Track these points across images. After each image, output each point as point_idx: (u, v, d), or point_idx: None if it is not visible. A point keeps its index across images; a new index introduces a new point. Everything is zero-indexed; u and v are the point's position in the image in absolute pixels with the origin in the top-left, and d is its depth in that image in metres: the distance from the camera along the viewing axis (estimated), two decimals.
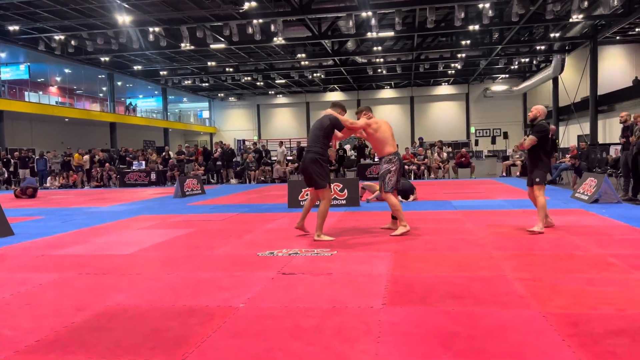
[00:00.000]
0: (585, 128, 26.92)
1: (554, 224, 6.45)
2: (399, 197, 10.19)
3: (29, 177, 16.10)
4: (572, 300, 3.37)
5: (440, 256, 4.91)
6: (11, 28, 21.44)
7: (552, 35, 25.09)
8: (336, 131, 6.09)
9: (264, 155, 20.75)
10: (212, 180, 20.41)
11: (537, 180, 6.24)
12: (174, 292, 3.90)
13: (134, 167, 20.12)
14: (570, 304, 3.30)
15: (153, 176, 19.37)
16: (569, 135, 30.98)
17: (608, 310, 3.16)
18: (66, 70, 32.08)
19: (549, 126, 6.43)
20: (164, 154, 21.57)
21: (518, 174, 17.39)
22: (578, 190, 9.76)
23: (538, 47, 28.27)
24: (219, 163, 20.20)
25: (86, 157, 21.23)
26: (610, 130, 28.02)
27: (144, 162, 20.30)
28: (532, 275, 4.06)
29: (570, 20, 20.99)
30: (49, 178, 20.44)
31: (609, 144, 19.58)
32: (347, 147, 22.89)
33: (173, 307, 3.52)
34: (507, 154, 22.69)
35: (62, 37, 22.85)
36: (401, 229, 6.13)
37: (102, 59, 27.26)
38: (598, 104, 26.18)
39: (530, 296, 3.50)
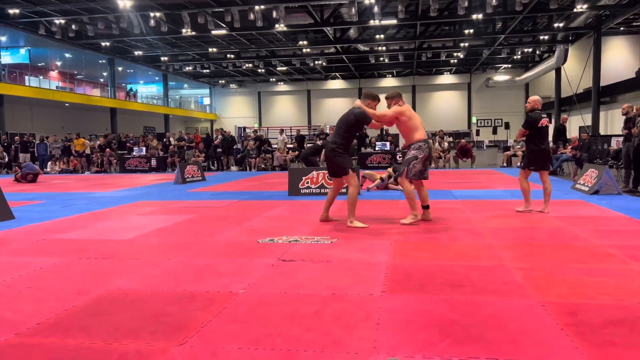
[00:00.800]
0: (587, 119, 26.84)
1: (531, 209, 6.90)
2: (399, 186, 10.22)
3: (29, 162, 16.09)
4: (571, 290, 3.38)
5: (440, 245, 4.92)
6: (11, 11, 21.29)
7: (555, 25, 24.92)
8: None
9: (264, 143, 20.72)
10: (212, 167, 20.41)
11: (520, 164, 6.75)
12: (175, 278, 3.91)
13: (134, 153, 20.10)
14: (568, 294, 3.31)
15: (153, 162, 19.36)
16: (571, 126, 30.86)
17: (606, 300, 3.18)
18: (67, 55, 31.91)
19: (540, 116, 6.65)
20: (164, 140, 21.55)
21: (519, 164, 17.38)
22: (578, 182, 9.76)
23: (541, 37, 28.09)
24: (219, 150, 20.19)
25: (90, 142, 21.23)
26: (612, 121, 27.93)
27: (144, 148, 20.29)
28: (531, 264, 4.07)
29: (575, 10, 20.83)
30: (49, 163, 20.44)
31: (611, 136, 19.54)
32: None
33: (173, 292, 3.54)
34: (508, 145, 22.68)
35: (63, 21, 22.69)
36: (410, 217, 6.06)
37: (103, 43, 27.10)
38: (600, 95, 26.07)
39: (529, 285, 3.51)
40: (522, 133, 6.71)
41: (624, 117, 9.88)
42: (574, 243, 4.90)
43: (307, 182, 9.76)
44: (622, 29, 30.01)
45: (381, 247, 4.84)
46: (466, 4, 18.82)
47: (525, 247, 4.75)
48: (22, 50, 28.94)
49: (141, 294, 3.52)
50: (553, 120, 31.12)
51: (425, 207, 6.34)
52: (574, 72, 29.89)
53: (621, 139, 13.37)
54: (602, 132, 26.28)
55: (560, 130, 14.78)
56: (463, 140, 19.07)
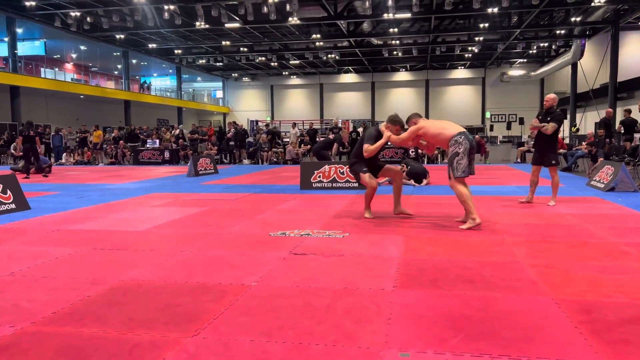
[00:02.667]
0: (603, 115, 26.47)
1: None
2: (411, 181, 10.18)
3: (41, 156, 16.03)
4: (585, 288, 3.35)
5: (452, 241, 4.89)
6: (28, 3, 21.50)
7: (572, 19, 24.56)
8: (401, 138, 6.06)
9: (276, 137, 20.73)
10: (225, 160, 20.49)
11: (553, 162, 7.04)
12: (187, 269, 3.94)
13: (147, 146, 20.24)
14: (583, 292, 3.28)
15: (167, 155, 19.48)
16: (586, 122, 30.50)
17: (621, 298, 3.14)
18: (81, 47, 32.20)
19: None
20: (174, 131, 21.63)
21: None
22: (594, 178, 9.64)
23: (558, 32, 27.72)
24: (232, 143, 20.25)
25: (105, 135, 21.43)
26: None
27: (157, 141, 20.42)
28: (545, 261, 4.04)
29: (592, 4, 20.51)
30: (64, 154, 20.66)
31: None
32: (360, 130, 22.78)
33: (186, 283, 3.57)
34: (522, 140, 22.45)
35: (78, 14, 22.88)
36: (470, 222, 5.43)
37: (117, 36, 27.28)
38: (617, 91, 25.67)
39: (543, 282, 3.48)
40: (554, 128, 6.91)
41: None
42: (589, 240, 4.84)
43: (319, 176, 9.76)
44: None
45: (393, 242, 4.83)
46: None
47: (539, 244, 4.71)
48: (38, 42, 29.25)
49: (154, 284, 3.55)
50: (568, 116, 30.75)
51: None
52: (591, 67, 29.47)
53: (638, 135, 13.17)
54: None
55: (607, 125, 14.05)
56: (477, 136, 18.89)
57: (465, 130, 5.74)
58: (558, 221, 5.91)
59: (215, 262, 4.17)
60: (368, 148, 6.02)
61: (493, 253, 4.37)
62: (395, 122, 6.09)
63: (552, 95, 7.19)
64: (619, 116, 26.90)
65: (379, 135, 6.12)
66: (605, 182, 8.94)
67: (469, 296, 3.21)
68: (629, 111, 13.95)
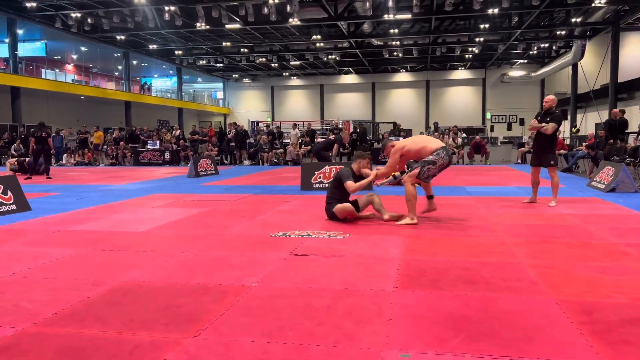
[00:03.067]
0: (604, 116, 26.43)
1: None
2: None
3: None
4: (586, 289, 3.35)
5: (453, 241, 4.90)
6: (28, 5, 21.52)
7: (573, 20, 24.56)
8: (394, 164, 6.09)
9: (276, 138, 20.73)
10: (225, 161, 20.49)
11: (552, 162, 7.09)
12: (188, 270, 3.94)
13: (148, 147, 20.25)
14: (583, 292, 3.28)
15: (167, 156, 19.49)
16: (587, 123, 30.49)
17: (622, 299, 3.14)
18: (82, 48, 32.21)
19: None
20: (175, 132, 21.64)
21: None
22: (595, 179, 9.64)
23: (558, 32, 27.72)
24: (232, 144, 20.26)
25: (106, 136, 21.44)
26: (630, 118, 27.36)
27: (158, 142, 20.43)
28: (546, 262, 4.04)
29: (593, 4, 20.51)
30: (64, 155, 20.67)
31: (628, 133, 19.24)
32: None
33: (187, 284, 3.57)
34: (523, 141, 22.44)
35: (79, 15, 22.91)
36: (407, 219, 5.75)
37: (118, 37, 27.30)
38: (618, 92, 25.67)
39: (543, 283, 3.48)
40: (554, 129, 6.98)
41: None
42: (590, 241, 4.84)
43: (320, 177, 9.76)
44: None
45: (394, 243, 4.83)
46: None
47: (540, 245, 4.70)
48: (39, 43, 29.27)
49: (155, 285, 3.56)
50: (569, 117, 30.74)
51: (430, 197, 6.29)
52: (591, 67, 29.47)
53: (633, 136, 13.15)
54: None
55: (612, 126, 13.46)
56: (477, 137, 18.92)
57: (447, 148, 5.99)
58: (558, 222, 5.91)
59: (216, 262, 4.17)
60: (351, 186, 5.98)
61: (493, 253, 4.37)
62: (365, 156, 6.31)
63: (551, 97, 7.27)
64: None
65: (354, 173, 6.15)
66: (605, 183, 8.93)
67: (470, 297, 3.21)
68: (623, 112, 13.92)
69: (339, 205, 5.99)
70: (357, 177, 6.15)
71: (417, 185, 5.99)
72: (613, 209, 6.86)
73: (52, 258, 4.38)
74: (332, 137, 16.07)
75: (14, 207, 7.02)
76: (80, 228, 5.84)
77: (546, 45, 31.47)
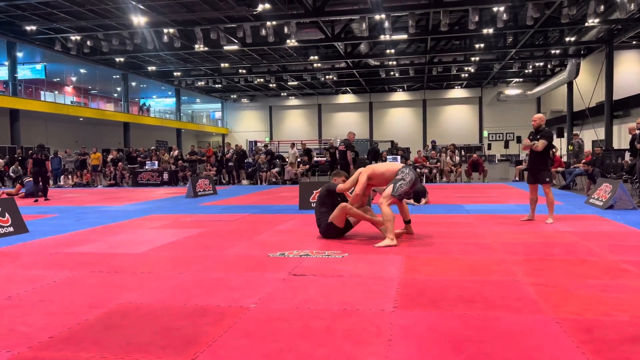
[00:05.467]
0: (600, 133, 26.63)
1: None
2: (411, 200, 10.17)
3: (29, 180, 15.19)
4: (586, 307, 3.33)
5: (452, 260, 4.88)
6: (28, 28, 21.76)
7: (567, 39, 24.87)
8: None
9: (274, 158, 20.78)
10: (223, 180, 20.50)
11: (548, 180, 7.27)
12: (185, 292, 3.92)
13: (146, 167, 20.27)
14: (584, 310, 3.26)
15: (165, 176, 19.50)
16: (584, 140, 30.65)
17: (623, 317, 3.12)
18: (81, 70, 32.47)
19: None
20: (173, 153, 21.68)
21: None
22: (592, 196, 9.65)
23: (553, 51, 28.04)
24: (230, 164, 20.29)
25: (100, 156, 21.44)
26: (625, 135, 27.60)
27: (156, 162, 20.46)
28: (545, 280, 4.02)
29: (586, 24, 20.78)
30: (62, 176, 20.66)
31: (624, 150, 19.33)
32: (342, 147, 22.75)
33: (184, 306, 3.54)
34: (520, 159, 22.51)
35: (78, 38, 23.14)
36: (387, 241, 5.60)
37: (117, 59, 27.54)
38: (613, 109, 25.88)
39: (543, 301, 3.46)
40: (544, 145, 7.12)
41: (638, 131, 9.80)
42: (589, 258, 4.83)
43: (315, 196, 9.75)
44: (634, 42, 29.89)
45: (393, 262, 4.81)
46: (477, 18, 18.87)
47: (539, 262, 4.69)
48: (39, 66, 29.52)
49: (152, 308, 3.53)
50: (565, 135, 30.89)
51: (407, 222, 6.30)
52: (586, 85, 29.76)
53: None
54: (615, 146, 26.05)
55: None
56: (475, 155, 18.96)
57: (409, 166, 6.17)
58: (557, 239, 5.90)
59: (214, 284, 4.14)
60: (343, 186, 6.16)
61: (493, 272, 4.36)
62: (340, 174, 6.54)
63: (538, 115, 7.50)
64: (616, 134, 27.10)
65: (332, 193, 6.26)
66: (603, 200, 8.95)
67: (469, 316, 3.19)
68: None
69: (334, 212, 6.01)
70: (337, 195, 6.28)
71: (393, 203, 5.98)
72: (611, 226, 6.86)
73: (48, 281, 4.35)
74: (342, 147, 15.09)
75: (11, 229, 7.00)
76: (77, 250, 5.81)
77: (541, 64, 31.82)
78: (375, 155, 19.91)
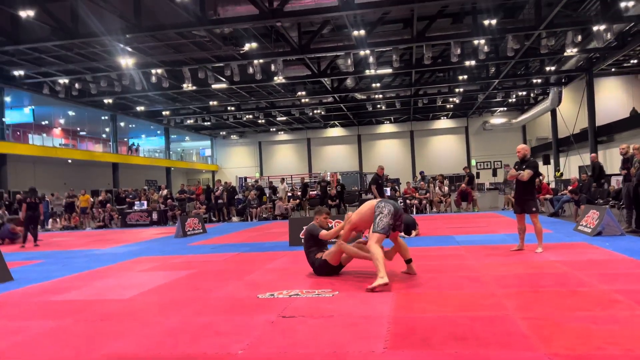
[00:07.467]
0: (586, 159, 26.94)
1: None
2: (402, 232, 10.15)
3: (6, 223, 14.74)
4: (578, 340, 3.30)
5: (443, 295, 4.84)
6: (17, 73, 21.87)
7: (547, 68, 25.46)
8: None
9: (264, 193, 20.77)
10: (213, 218, 20.38)
11: (534, 209, 7.28)
12: (172, 339, 3.83)
13: (135, 208, 20.12)
14: (575, 344, 3.23)
15: (154, 216, 19.35)
16: (570, 166, 31.04)
17: (614, 350, 3.09)
18: (70, 112, 32.54)
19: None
20: (161, 192, 21.59)
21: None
22: (581, 223, 9.70)
23: (534, 80, 28.65)
24: (220, 201, 20.22)
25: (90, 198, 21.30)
26: (611, 160, 28.09)
27: (145, 202, 20.32)
28: (536, 313, 3.99)
29: (565, 54, 21.33)
30: (50, 220, 20.43)
31: (610, 175, 19.56)
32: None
33: (171, 355, 3.46)
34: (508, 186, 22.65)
35: (67, 81, 23.28)
36: (378, 281, 5.23)
37: (106, 100, 27.67)
38: (597, 135, 26.32)
39: (535, 336, 3.43)
40: (530, 174, 7.18)
41: (622, 157, 9.95)
42: (580, 289, 4.82)
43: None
44: (613, 70, 30.67)
45: (383, 299, 4.76)
46: (459, 51, 19.30)
47: (530, 295, 4.67)
48: (27, 110, 29.57)
49: (139, 357, 3.44)
50: (552, 161, 31.26)
51: (408, 261, 5.98)
52: (570, 112, 30.32)
53: (621, 178, 13.36)
54: None
55: (593, 169, 13.84)
56: (463, 185, 19.07)
57: (386, 199, 6.07)
58: (547, 269, 5.90)
59: (202, 329, 4.06)
60: (326, 234, 6.23)
61: (484, 307, 4.32)
62: (322, 212, 6.55)
63: (522, 146, 7.63)
64: (601, 160, 27.46)
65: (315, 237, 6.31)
66: (592, 227, 8.99)
67: (461, 355, 3.15)
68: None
69: (329, 250, 6.02)
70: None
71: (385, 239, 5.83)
72: (601, 254, 6.87)
73: (32, 332, 4.23)
74: (373, 187, 14.56)
75: None
76: (62, 298, 5.69)
77: (524, 93, 32.44)
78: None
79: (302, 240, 6.80)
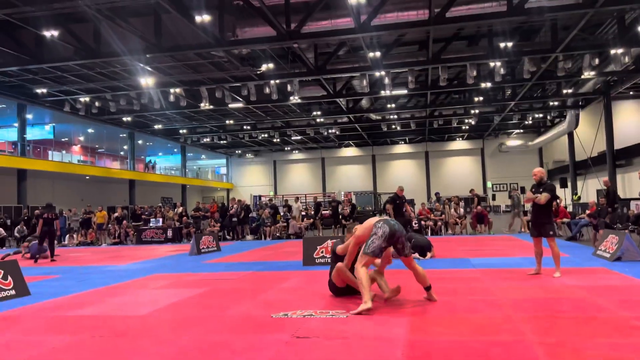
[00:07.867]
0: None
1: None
2: (416, 254, 10.07)
3: (34, 242, 14.80)
4: None
5: (459, 318, 4.78)
6: (39, 91, 22.41)
7: (564, 91, 25.36)
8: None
9: (279, 212, 20.81)
10: (227, 236, 20.43)
11: (551, 233, 7.22)
12: (186, 358, 3.83)
13: (150, 225, 20.28)
14: None
15: (169, 233, 19.47)
16: (588, 189, 30.63)
17: None
18: (89, 130, 33.15)
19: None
20: (176, 209, 21.75)
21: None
22: (600, 248, 9.54)
23: (551, 103, 28.51)
24: (234, 219, 20.28)
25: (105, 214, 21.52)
26: (630, 185, 27.67)
27: (160, 220, 20.48)
28: (554, 339, 3.92)
29: (582, 76, 21.24)
30: (67, 236, 20.66)
31: (629, 199, 19.27)
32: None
33: None
34: (526, 209, 22.41)
35: (87, 99, 23.79)
36: (362, 306, 5.16)
37: (124, 118, 28.17)
38: (615, 159, 26.00)
39: None
40: (547, 198, 7.16)
41: None
42: (599, 315, 4.73)
43: (322, 252, 9.68)
44: (631, 93, 30.40)
45: (398, 322, 4.71)
46: (475, 73, 19.34)
47: (547, 320, 4.59)
48: (48, 127, 30.18)
49: None
50: (569, 184, 30.90)
51: (427, 289, 5.76)
52: (587, 135, 30.05)
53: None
54: (620, 195, 25.98)
55: (607, 194, 13.92)
56: (479, 207, 18.89)
57: (387, 219, 5.84)
58: (565, 294, 5.80)
59: (215, 348, 4.06)
60: (340, 249, 6.18)
61: (500, 331, 4.26)
62: (350, 229, 6.38)
63: (538, 169, 7.59)
64: (620, 184, 27.09)
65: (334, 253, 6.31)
66: (611, 252, 8.83)
67: None
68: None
69: (333, 272, 6.00)
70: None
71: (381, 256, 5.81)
72: (620, 279, 6.74)
73: (48, 347, 4.27)
74: (389, 206, 14.67)
75: (13, 292, 6.94)
76: (78, 313, 5.74)
77: (541, 115, 32.27)
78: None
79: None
